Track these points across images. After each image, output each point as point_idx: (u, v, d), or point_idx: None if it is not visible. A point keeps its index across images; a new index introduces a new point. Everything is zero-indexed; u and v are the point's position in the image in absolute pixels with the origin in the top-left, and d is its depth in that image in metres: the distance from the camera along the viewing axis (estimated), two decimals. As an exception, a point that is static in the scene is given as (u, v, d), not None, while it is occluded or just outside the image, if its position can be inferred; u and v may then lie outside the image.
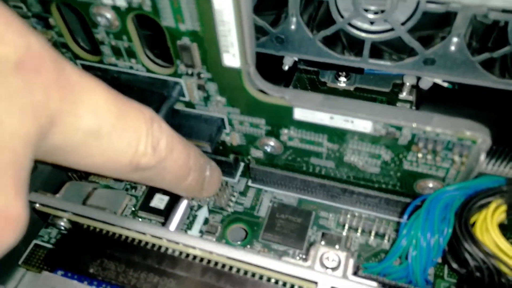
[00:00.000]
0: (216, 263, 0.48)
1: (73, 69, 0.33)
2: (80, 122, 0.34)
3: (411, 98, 0.68)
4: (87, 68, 0.56)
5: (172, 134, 0.45)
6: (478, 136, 0.45)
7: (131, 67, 0.53)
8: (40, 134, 0.30)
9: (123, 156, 0.39)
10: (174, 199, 0.61)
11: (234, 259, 0.47)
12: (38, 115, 0.29)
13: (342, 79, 0.72)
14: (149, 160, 0.41)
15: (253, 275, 0.47)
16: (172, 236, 0.49)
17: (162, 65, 0.53)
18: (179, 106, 0.57)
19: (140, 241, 0.51)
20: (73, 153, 0.36)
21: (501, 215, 0.47)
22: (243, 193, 0.67)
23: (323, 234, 0.61)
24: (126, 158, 0.39)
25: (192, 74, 0.51)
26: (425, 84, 0.58)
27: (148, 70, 0.53)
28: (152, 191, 0.67)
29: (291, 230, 0.62)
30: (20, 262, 0.63)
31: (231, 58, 0.46)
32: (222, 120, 0.57)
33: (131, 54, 0.51)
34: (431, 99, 0.61)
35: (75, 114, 0.33)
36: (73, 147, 0.35)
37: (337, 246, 0.60)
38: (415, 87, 0.67)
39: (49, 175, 0.65)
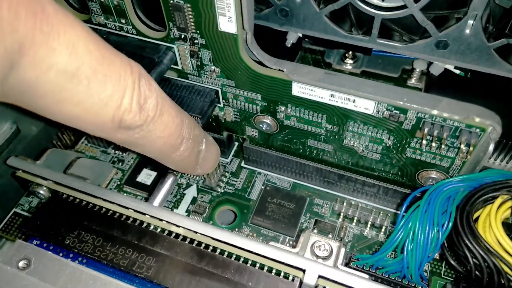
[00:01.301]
0: (199, 244, 0.45)
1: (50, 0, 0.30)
2: (54, 58, 0.31)
3: (420, 85, 0.64)
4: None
5: (164, 97, 0.41)
6: (488, 124, 0.41)
7: (120, 28, 0.50)
8: (7, 60, 0.28)
9: (104, 109, 0.35)
10: (161, 175, 0.58)
11: (217, 240, 0.44)
12: (3, 36, 0.27)
13: (349, 61, 0.69)
14: (134, 117, 0.38)
15: (238, 258, 0.44)
16: (154, 212, 0.46)
17: (154, 28, 0.50)
18: (172, 75, 0.54)
19: (120, 215, 0.48)
20: (47, 96, 0.33)
21: (506, 211, 0.44)
22: (235, 174, 0.64)
23: (316, 222, 0.58)
24: (108, 111, 0.36)
25: (185, 39, 0.47)
26: (436, 70, 0.55)
27: (139, 33, 0.50)
28: (139, 165, 0.64)
29: (283, 215, 0.59)
30: (-3, 230, 0.60)
31: (227, 22, 0.43)
32: (216, 92, 0.54)
33: (121, 13, 0.48)
34: (440, 87, 0.58)
35: (48, 47, 0.30)
36: (47, 89, 0.32)
37: (330, 235, 0.57)
38: (425, 74, 0.63)
39: (31, 141, 0.62)
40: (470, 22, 0.43)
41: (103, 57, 0.34)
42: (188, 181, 0.63)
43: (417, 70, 0.63)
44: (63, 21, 0.31)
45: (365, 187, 0.57)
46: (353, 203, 0.59)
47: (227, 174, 0.64)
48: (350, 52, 0.66)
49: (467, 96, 0.55)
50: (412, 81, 0.65)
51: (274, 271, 0.43)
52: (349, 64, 0.69)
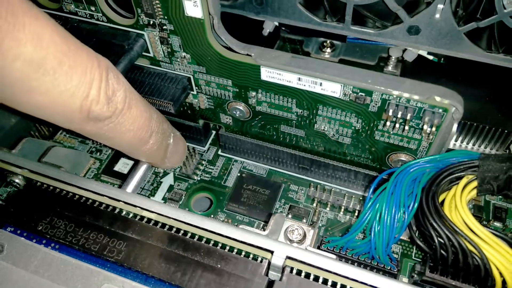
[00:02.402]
0: (169, 228, 0.46)
1: None
2: (20, 48, 0.32)
3: (397, 72, 0.65)
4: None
5: (132, 91, 0.43)
6: (448, 103, 0.42)
7: (91, 16, 0.50)
8: None
9: (71, 99, 0.36)
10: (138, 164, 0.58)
11: (188, 224, 0.45)
12: None
13: (327, 50, 0.69)
14: (102, 108, 0.39)
15: (208, 241, 0.45)
16: (126, 198, 0.47)
17: (124, 15, 0.50)
18: (144, 63, 0.54)
19: (93, 201, 0.48)
20: (14, 85, 0.33)
21: (472, 191, 0.44)
22: (211, 162, 0.64)
23: (290, 207, 0.59)
24: (76, 102, 0.37)
25: (154, 25, 0.48)
26: (410, 56, 0.55)
27: (109, 20, 0.50)
28: (117, 155, 0.65)
29: (258, 201, 0.59)
30: (-25, 220, 0.60)
31: (193, 7, 0.43)
32: (188, 79, 0.54)
33: (90, 1, 0.48)
34: (415, 73, 0.58)
35: (14, 37, 0.31)
36: (14, 78, 0.33)
37: (304, 220, 0.57)
38: (401, 61, 0.64)
39: (9, 131, 0.62)
40: (440, 6, 0.43)
41: (69, 49, 0.35)
42: (166, 169, 0.63)
43: (393, 57, 0.63)
44: (28, 12, 0.32)
45: (337, 172, 0.58)
46: (327, 188, 0.59)
47: (203, 162, 0.64)
48: (328, 41, 0.67)
49: (440, 82, 0.56)
50: (389, 69, 0.65)
51: (243, 253, 0.44)
52: (327, 53, 0.69)
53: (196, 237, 0.45)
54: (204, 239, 0.45)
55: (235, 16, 0.51)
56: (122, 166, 0.63)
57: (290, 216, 0.57)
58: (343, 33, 0.52)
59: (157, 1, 0.44)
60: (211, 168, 0.63)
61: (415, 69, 0.58)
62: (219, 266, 0.43)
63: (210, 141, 0.66)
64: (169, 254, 0.44)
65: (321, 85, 0.46)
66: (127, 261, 0.44)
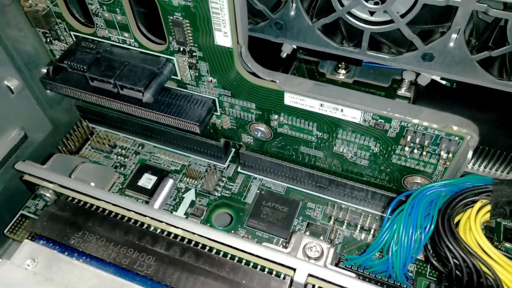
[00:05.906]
0: (196, 244, 0.48)
1: None
2: None
3: (409, 94, 0.67)
4: (80, 40, 0.56)
5: None
6: (465, 132, 0.44)
7: (123, 41, 0.53)
8: None
9: None
10: (161, 179, 0.61)
11: (214, 241, 0.47)
12: None
13: (342, 71, 0.71)
14: None
15: (233, 258, 0.47)
16: (154, 214, 0.49)
17: (155, 41, 0.53)
18: (171, 85, 0.57)
19: (122, 217, 0.50)
20: None
21: (485, 215, 0.46)
22: (231, 179, 0.66)
23: (308, 225, 0.61)
24: None
25: (184, 52, 0.50)
26: (423, 81, 0.57)
27: (141, 46, 0.53)
28: (141, 170, 0.67)
29: (277, 218, 0.61)
30: (5, 231, 0.63)
31: (223, 37, 0.46)
32: (213, 101, 0.56)
33: (124, 27, 0.51)
34: (428, 96, 0.60)
35: None
36: None
37: (321, 238, 0.59)
38: (414, 84, 0.66)
39: (38, 146, 0.65)
40: (454, 36, 0.45)
41: None
42: (187, 185, 0.66)
43: (406, 80, 0.65)
44: None
45: (354, 191, 0.60)
46: (343, 207, 0.61)
47: (224, 179, 0.66)
48: (343, 63, 0.69)
49: (452, 105, 0.58)
50: (402, 91, 0.67)
51: (266, 270, 0.45)
52: (342, 74, 0.71)
53: (221, 253, 0.47)
54: (229, 256, 0.47)
55: (254, 39, 0.54)
56: (146, 181, 0.66)
57: (308, 233, 0.59)
58: (359, 57, 0.54)
59: (189, 31, 0.47)
60: (231, 185, 0.66)
61: (428, 93, 0.60)
62: (244, 281, 0.45)
63: (229, 158, 0.69)
64: (196, 269, 0.46)
65: (342, 111, 0.49)
66: (156, 275, 0.46)
